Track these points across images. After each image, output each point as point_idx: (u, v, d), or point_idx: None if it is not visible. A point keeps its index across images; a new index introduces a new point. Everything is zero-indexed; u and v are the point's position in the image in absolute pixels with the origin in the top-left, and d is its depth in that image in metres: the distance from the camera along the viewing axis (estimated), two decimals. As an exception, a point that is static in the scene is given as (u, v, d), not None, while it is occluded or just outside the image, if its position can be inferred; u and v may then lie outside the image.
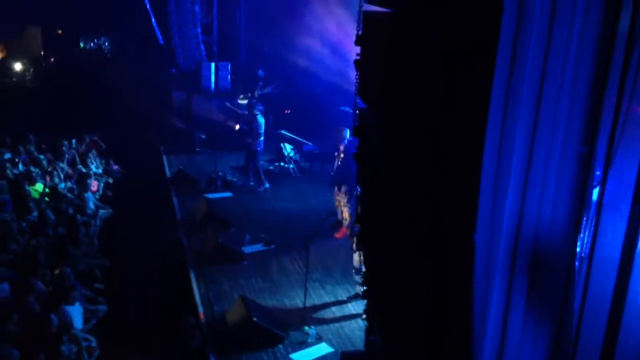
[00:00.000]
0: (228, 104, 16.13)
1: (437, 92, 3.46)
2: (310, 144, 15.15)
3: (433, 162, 3.55)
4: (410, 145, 3.79)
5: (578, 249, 3.35)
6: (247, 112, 14.16)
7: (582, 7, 3.03)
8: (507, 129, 3.31)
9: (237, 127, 14.35)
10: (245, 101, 17.61)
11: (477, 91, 3.26)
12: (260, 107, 14.22)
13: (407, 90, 3.78)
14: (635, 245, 3.26)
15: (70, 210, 11.83)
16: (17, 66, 23.12)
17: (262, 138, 13.62)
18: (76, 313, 8.58)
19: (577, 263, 3.36)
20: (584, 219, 3.31)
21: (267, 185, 13.95)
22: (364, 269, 7.65)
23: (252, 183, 13.99)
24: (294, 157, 15.06)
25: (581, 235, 3.33)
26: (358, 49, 5.07)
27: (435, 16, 3.46)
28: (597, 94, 3.18)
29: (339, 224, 11.55)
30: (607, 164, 3.18)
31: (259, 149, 13.65)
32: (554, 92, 3.18)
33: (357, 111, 5.05)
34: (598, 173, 3.35)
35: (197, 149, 16.45)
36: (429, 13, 3.55)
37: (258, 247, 10.93)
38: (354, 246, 9.00)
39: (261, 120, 13.55)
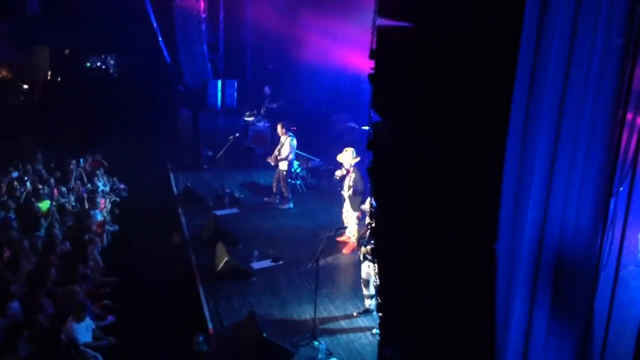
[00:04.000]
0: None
1: (458, 101, 3.45)
2: (317, 160, 15.16)
3: (454, 172, 3.53)
4: (430, 155, 3.77)
5: (603, 259, 3.32)
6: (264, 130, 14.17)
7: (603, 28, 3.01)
8: (528, 139, 3.30)
9: (237, 134, 14.46)
10: (251, 118, 17.69)
11: (498, 100, 3.25)
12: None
13: (427, 102, 3.77)
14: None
15: (78, 228, 11.81)
16: (25, 86, 23.25)
17: (291, 158, 13.70)
18: (84, 329, 8.50)
19: (602, 270, 3.33)
20: (609, 228, 3.28)
21: (292, 204, 13.92)
22: (375, 281, 7.62)
23: (279, 199, 13.98)
24: (301, 174, 15.05)
25: (606, 244, 3.30)
26: (366, 64, 5.08)
27: (457, 27, 3.46)
28: (619, 106, 3.17)
29: (346, 237, 11.57)
30: (634, 174, 3.16)
31: (288, 169, 13.71)
32: (576, 102, 3.17)
33: (371, 125, 5.04)
34: (622, 189, 3.33)
35: (204, 166, 16.45)
36: (450, 26, 3.56)
37: (266, 263, 10.89)
38: (361, 257, 8.99)
39: (292, 141, 13.61)
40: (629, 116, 3.36)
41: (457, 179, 3.62)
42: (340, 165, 11.60)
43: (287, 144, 13.54)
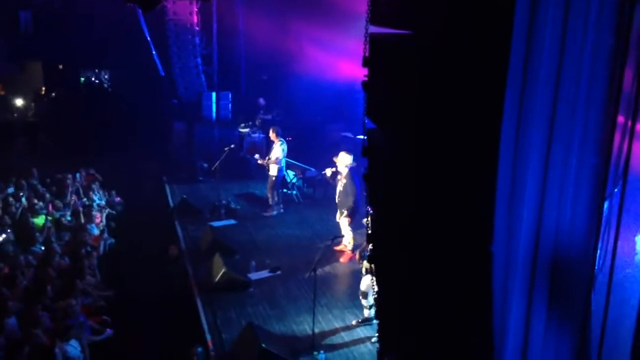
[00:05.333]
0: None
1: (451, 106, 3.50)
2: (312, 169, 15.23)
3: (448, 176, 3.58)
4: (424, 160, 3.81)
5: (599, 261, 3.36)
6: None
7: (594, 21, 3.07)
8: (521, 143, 3.34)
9: (232, 145, 14.57)
10: (246, 129, 17.77)
11: (490, 105, 3.30)
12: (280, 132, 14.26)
13: (420, 107, 3.82)
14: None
15: (75, 243, 11.81)
16: (19, 102, 23.26)
17: (282, 163, 13.82)
18: (77, 348, 8.47)
19: (599, 273, 3.37)
20: (604, 230, 3.32)
21: (276, 213, 14.02)
22: (374, 291, 7.65)
23: (275, 212, 14.11)
24: (296, 184, 15.13)
25: (602, 246, 3.34)
26: (360, 73, 5.13)
27: (448, 35, 3.52)
28: (611, 108, 3.22)
29: (343, 246, 11.61)
30: (626, 175, 3.20)
31: (278, 174, 13.81)
32: (569, 105, 3.21)
33: (366, 132, 5.08)
34: (616, 190, 3.38)
35: (200, 178, 16.53)
36: (441, 33, 3.61)
37: (264, 273, 10.92)
38: (363, 270, 8.99)
39: (283, 145, 13.72)
40: (621, 119, 3.40)
41: (452, 182, 3.66)
42: (334, 165, 11.70)
43: (277, 147, 13.63)
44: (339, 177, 11.62)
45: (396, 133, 4.44)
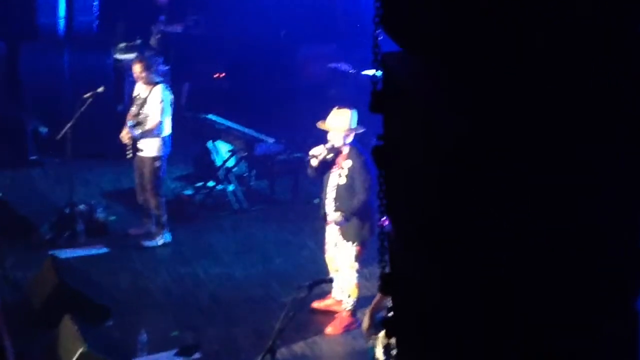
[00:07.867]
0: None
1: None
2: (269, 140, 15.27)
3: (556, 170, 3.61)
4: (502, 124, 3.83)
5: None
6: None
7: None
8: None
9: (101, 89, 14.60)
10: (129, 55, 17.75)
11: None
12: (163, 69, 14.38)
13: (503, 15, 3.83)
14: None
15: None
16: None
17: (167, 132, 13.77)
18: None
19: None
20: None
21: (168, 235, 14.14)
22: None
23: (153, 228, 14.17)
24: (235, 171, 15.16)
25: None
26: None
27: None
28: None
29: (333, 301, 11.69)
30: None
31: (162, 154, 13.80)
32: None
33: (380, 61, 5.08)
34: None
35: (33, 157, 16.54)
36: None
37: (167, 357, 10.96)
38: (379, 353, 9.03)
39: (166, 95, 13.70)
40: None
41: (562, 182, 3.70)
42: (323, 139, 11.74)
43: (154, 98, 13.69)
44: (325, 150, 11.67)
45: (441, 61, 4.44)
